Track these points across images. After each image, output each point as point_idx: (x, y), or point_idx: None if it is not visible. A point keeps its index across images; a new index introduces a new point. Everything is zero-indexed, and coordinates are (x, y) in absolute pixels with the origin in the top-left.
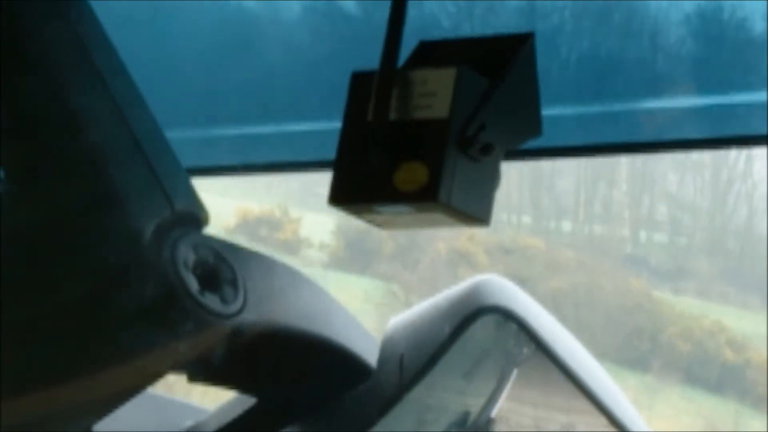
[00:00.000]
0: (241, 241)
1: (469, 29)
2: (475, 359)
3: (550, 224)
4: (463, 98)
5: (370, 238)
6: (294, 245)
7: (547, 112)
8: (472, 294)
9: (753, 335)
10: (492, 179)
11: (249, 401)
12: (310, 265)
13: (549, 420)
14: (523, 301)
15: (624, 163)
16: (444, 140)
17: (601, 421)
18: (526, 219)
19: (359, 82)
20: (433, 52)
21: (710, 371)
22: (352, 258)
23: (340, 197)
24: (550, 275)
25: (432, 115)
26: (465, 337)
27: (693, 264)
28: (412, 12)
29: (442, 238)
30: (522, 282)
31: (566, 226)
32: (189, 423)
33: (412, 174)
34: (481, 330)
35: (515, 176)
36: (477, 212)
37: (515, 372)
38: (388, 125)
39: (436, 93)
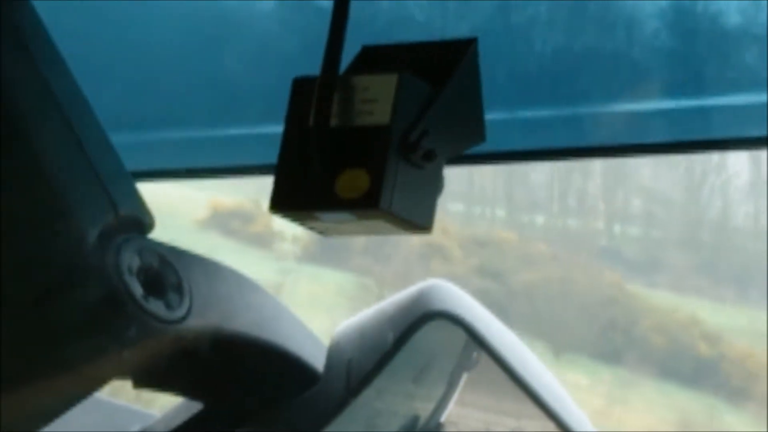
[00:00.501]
0: (213, 234)
1: (443, 23)
2: (423, 364)
3: (524, 217)
4: (405, 104)
5: None
6: (266, 238)
7: (525, 113)
8: (420, 299)
9: (728, 328)
10: (434, 186)
11: (195, 407)
12: (282, 258)
13: (498, 424)
14: (471, 306)
15: None
16: (385, 147)
17: (551, 426)
18: (500, 212)
19: (300, 87)
20: (375, 58)
21: (685, 364)
22: (324, 251)
23: (280, 204)
24: (523, 268)
25: (373, 122)
26: (412, 342)
27: (667, 257)
28: (385, 6)
29: None
30: (496, 275)
31: (540, 219)
32: (135, 428)
33: (353, 181)
34: (429, 335)
35: (489, 170)
36: (419, 219)
37: (465, 376)
38: (329, 132)
39: (377, 99)
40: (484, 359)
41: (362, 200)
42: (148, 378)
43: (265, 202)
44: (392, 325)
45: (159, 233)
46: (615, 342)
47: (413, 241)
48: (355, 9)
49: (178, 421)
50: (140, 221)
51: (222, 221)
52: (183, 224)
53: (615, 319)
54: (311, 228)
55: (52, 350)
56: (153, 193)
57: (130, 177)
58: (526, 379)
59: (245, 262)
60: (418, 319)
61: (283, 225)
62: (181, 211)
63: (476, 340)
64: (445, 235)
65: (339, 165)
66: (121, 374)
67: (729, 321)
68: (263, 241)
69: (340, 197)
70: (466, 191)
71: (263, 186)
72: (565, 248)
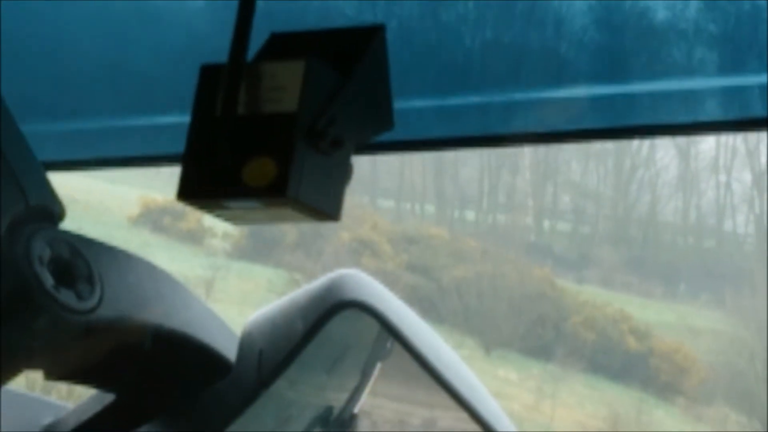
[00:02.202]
0: (145, 230)
1: (372, 17)
2: (336, 354)
3: (454, 213)
4: (313, 92)
5: (273, 228)
6: (198, 235)
7: (451, 101)
8: (332, 289)
9: (656, 324)
10: (342, 173)
11: (108, 398)
12: (213, 254)
13: (412, 415)
14: (383, 296)
15: (527, 151)
16: (292, 134)
17: (464, 416)
18: (430, 208)
19: (208, 75)
20: (283, 45)
21: (613, 359)
22: (255, 247)
23: (188, 192)
24: (454, 264)
25: (281, 109)
26: (324, 332)
27: (596, 253)
28: (315, 3)
29: (346, 227)
30: (426, 271)
31: (470, 215)
32: (48, 420)
33: (260, 169)
34: (341, 325)
35: (419, 165)
36: (327, 207)
37: (378, 367)
38: (236, 120)
39: (285, 86)
40: (398, 349)
41: (269, 188)
42: (60, 369)
43: None
44: (304, 315)
45: (91, 230)
46: (544, 337)
47: (344, 237)
48: (286, 3)
49: (90, 412)
50: (51, 211)
51: (153, 218)
52: (115, 221)
53: (545, 315)
54: (219, 216)
55: None
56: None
57: (41, 167)
58: (439, 370)
59: (176, 259)
60: (330, 309)
61: (214, 222)
62: (113, 208)
63: (389, 329)
64: (375, 231)
65: (246, 153)
66: (32, 365)
67: (657, 316)
68: (194, 237)
69: (248, 185)
70: (396, 187)
71: None
72: (495, 244)
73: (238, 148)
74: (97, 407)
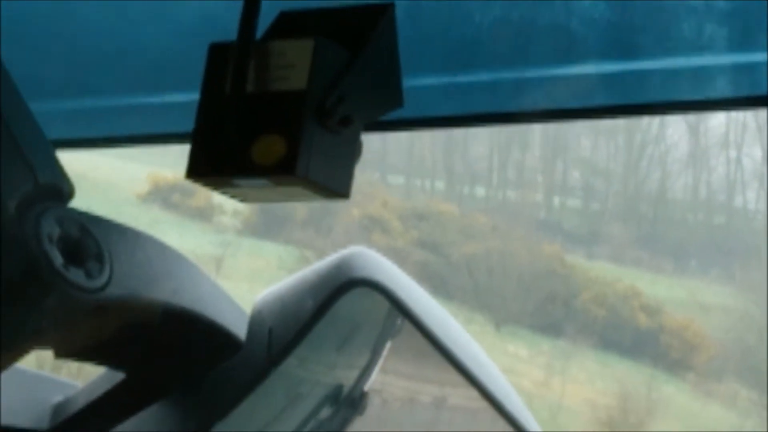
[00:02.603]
0: (154, 207)
1: None
2: (346, 332)
3: (464, 190)
4: (321, 70)
5: (283, 205)
6: (207, 212)
7: (461, 78)
8: (342, 267)
9: (666, 300)
10: (351, 151)
11: (118, 376)
12: (223, 231)
13: (422, 393)
14: (393, 274)
15: (537, 128)
16: (301, 112)
17: (474, 394)
18: (440, 185)
19: (217, 53)
20: (292, 23)
21: (624, 336)
22: (265, 224)
23: (197, 171)
24: (463, 241)
25: (290, 87)
26: (334, 310)
27: (606, 229)
28: None
29: (356, 204)
30: (436, 247)
31: (480, 191)
32: (58, 398)
33: (269, 147)
34: (351, 303)
35: (428, 142)
36: (336, 185)
37: (388, 344)
38: (245, 98)
39: (294, 65)
40: (408, 327)
41: (278, 166)
42: (69, 348)
43: None
44: (313, 293)
45: (100, 207)
46: (555, 314)
47: (354, 213)
48: None
49: (99, 391)
50: (60, 190)
51: (163, 195)
52: (124, 198)
53: (555, 291)
54: (228, 194)
55: None
56: (94, 167)
57: (50, 145)
58: (449, 347)
59: (186, 236)
60: (340, 287)
61: (223, 199)
62: (122, 185)
63: (398, 307)
64: (385, 208)
65: (255, 131)
66: (42, 344)
67: (668, 292)
68: (204, 214)
69: (257, 163)
70: (406, 164)
71: None
72: (505, 220)
73: (246, 126)
74: (107, 386)
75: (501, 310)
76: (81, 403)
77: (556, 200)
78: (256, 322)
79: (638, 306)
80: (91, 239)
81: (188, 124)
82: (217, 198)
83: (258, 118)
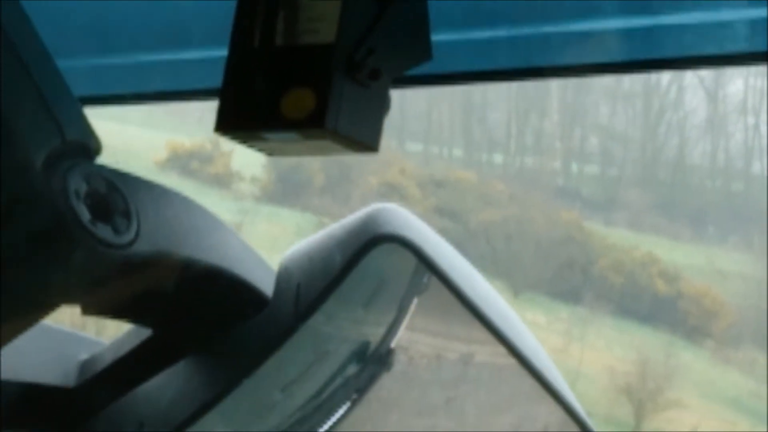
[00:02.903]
0: (173, 174)
1: None
2: (373, 289)
3: (482, 156)
4: (351, 23)
5: (301, 172)
6: (225, 179)
7: (481, 34)
8: (369, 222)
9: (684, 266)
10: (380, 105)
11: (144, 333)
12: (241, 198)
13: (449, 350)
14: (421, 230)
15: (555, 94)
16: (331, 65)
17: (501, 352)
18: (458, 152)
19: (245, 7)
20: None
21: (642, 302)
22: (283, 191)
23: (226, 125)
24: (481, 208)
25: (319, 40)
26: (361, 266)
27: (624, 195)
28: None
29: (374, 171)
30: (454, 214)
31: (498, 158)
32: (84, 355)
33: (298, 100)
34: (378, 259)
35: (447, 109)
36: (365, 138)
37: (415, 301)
38: (274, 51)
39: (323, 17)
40: (435, 284)
41: (308, 120)
42: (97, 304)
43: (225, 144)
44: (341, 250)
45: None
46: (573, 280)
47: (372, 181)
48: None
49: (126, 348)
50: (87, 146)
51: (181, 162)
52: (143, 165)
53: (573, 258)
54: (258, 149)
55: None
56: (112, 134)
57: (77, 102)
58: (477, 304)
59: (204, 203)
60: (367, 243)
61: (242, 165)
62: (141, 152)
63: (426, 263)
64: (402, 175)
65: (284, 84)
66: (69, 300)
67: (686, 259)
68: (222, 181)
69: (286, 117)
70: (424, 131)
71: None
72: (523, 187)
73: (275, 79)
74: (134, 343)
75: (519, 277)
76: (108, 360)
77: (574, 167)
78: (283, 278)
79: (656, 273)
80: (119, 195)
81: (216, 80)
82: (236, 165)
83: (287, 72)
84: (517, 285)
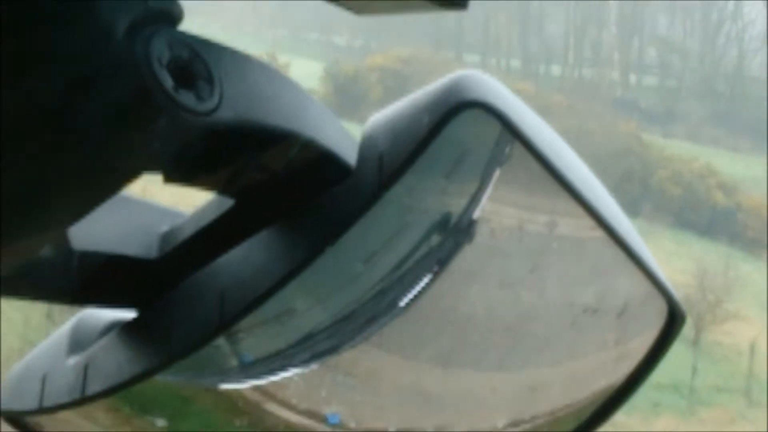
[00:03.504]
0: None
1: None
2: (456, 158)
3: (540, 68)
4: None
5: (358, 84)
6: None
7: None
8: (453, 89)
9: (744, 178)
10: None
11: (226, 203)
12: None
13: (531, 221)
14: (506, 97)
15: (613, 5)
16: None
17: (584, 223)
18: (515, 63)
19: None
20: None
21: (701, 215)
22: (340, 103)
23: None
24: None
25: None
26: (445, 133)
27: (683, 107)
28: None
29: (432, 83)
30: None
31: (556, 70)
32: (165, 227)
33: None
34: (462, 126)
35: (504, 20)
36: None
37: (498, 172)
38: None
39: None
40: (518, 153)
41: None
42: (179, 172)
43: (282, 56)
44: (425, 117)
45: None
46: (631, 192)
47: None
48: None
49: (208, 218)
50: (170, 12)
51: None
52: None
53: (631, 170)
54: (343, 6)
55: (82, 146)
56: None
57: None
58: (563, 172)
59: None
60: (452, 109)
61: (299, 78)
62: None
63: (511, 130)
64: None
65: None
66: (152, 167)
67: (745, 171)
68: None
69: None
70: (482, 42)
71: (279, 38)
72: (581, 99)
73: None
74: (216, 213)
75: None
76: (189, 231)
77: (633, 78)
78: (366, 146)
79: (715, 184)
80: (201, 62)
81: None
82: (293, 77)
83: None
84: None
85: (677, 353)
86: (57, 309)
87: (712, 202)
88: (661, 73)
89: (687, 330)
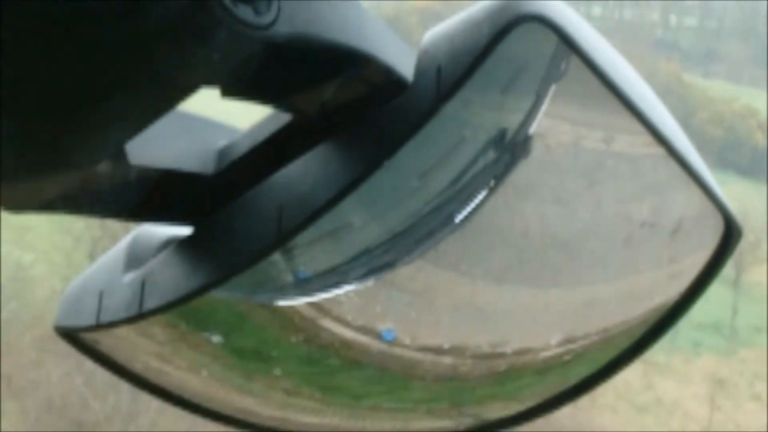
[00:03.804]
0: None
1: None
2: (512, 73)
3: (580, 9)
4: None
5: (399, 26)
6: None
7: None
8: (510, 2)
9: None
10: None
11: (283, 118)
12: None
13: (587, 138)
14: (565, 12)
15: None
16: None
17: (641, 140)
18: None
19: None
20: None
21: (741, 155)
22: None
23: None
24: None
25: None
26: (502, 47)
27: (723, 47)
28: None
29: None
30: None
31: (596, 10)
32: (222, 143)
33: None
34: (519, 40)
35: None
36: None
37: (554, 87)
38: None
39: None
40: (575, 69)
41: None
42: (237, 85)
43: None
44: (482, 30)
45: None
46: None
47: None
48: None
49: (266, 133)
50: None
51: None
52: None
53: (672, 110)
54: None
55: (141, 58)
56: None
57: None
58: (621, 87)
59: None
60: (509, 22)
61: None
62: None
63: (571, 46)
64: None
65: None
66: (210, 81)
67: None
68: None
69: None
70: None
71: None
72: (622, 39)
73: None
74: (273, 128)
75: None
76: (246, 146)
77: (673, 19)
78: (423, 60)
79: (755, 125)
80: None
81: None
82: None
83: None
84: None
85: (718, 293)
86: (100, 249)
87: (753, 143)
88: (702, 15)
89: (728, 270)
